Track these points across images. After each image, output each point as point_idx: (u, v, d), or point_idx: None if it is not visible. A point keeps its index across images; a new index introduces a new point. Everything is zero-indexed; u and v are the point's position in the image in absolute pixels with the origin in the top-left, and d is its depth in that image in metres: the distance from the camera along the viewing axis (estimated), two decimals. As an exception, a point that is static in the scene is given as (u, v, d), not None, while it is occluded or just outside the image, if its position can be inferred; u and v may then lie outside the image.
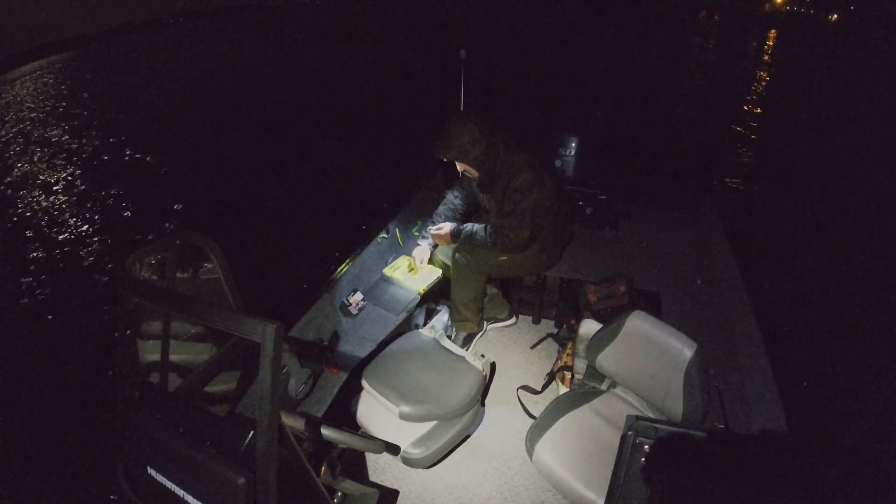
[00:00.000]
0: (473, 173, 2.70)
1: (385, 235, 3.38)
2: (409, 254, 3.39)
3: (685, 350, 1.81)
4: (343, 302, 2.88)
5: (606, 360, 2.10)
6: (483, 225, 2.75)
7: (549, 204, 2.65)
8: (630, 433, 1.22)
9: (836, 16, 39.03)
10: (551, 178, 2.67)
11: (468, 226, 2.79)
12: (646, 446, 1.22)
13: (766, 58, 23.28)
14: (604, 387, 2.30)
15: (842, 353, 4.26)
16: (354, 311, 2.89)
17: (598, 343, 2.12)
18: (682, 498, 1.19)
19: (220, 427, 1.34)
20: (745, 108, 13.50)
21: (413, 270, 3.16)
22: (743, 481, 1.14)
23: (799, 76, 19.02)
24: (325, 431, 1.50)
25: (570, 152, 3.85)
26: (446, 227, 2.86)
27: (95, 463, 3.17)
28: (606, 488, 1.72)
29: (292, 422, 1.46)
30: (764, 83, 16.93)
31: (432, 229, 2.93)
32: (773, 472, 1.14)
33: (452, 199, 3.07)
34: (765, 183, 8.60)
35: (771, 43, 28.71)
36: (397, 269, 3.20)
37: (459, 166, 2.73)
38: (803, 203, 7.73)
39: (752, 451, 1.22)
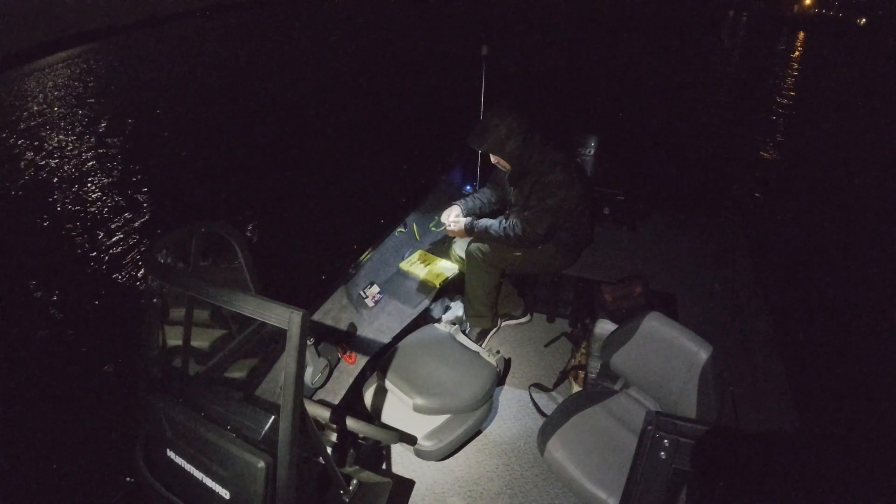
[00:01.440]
0: (506, 166, 2.71)
1: (402, 230, 3.40)
2: (425, 248, 3.41)
3: (701, 352, 1.80)
4: (360, 294, 2.91)
5: (621, 359, 2.10)
6: (499, 220, 2.77)
7: (574, 206, 2.65)
8: (650, 427, 1.23)
9: (864, 19, 38.27)
10: (581, 180, 2.67)
11: (483, 221, 2.80)
12: (665, 441, 1.23)
13: (793, 61, 22.82)
14: (617, 387, 2.30)
15: (859, 360, 4.21)
16: (371, 304, 2.91)
17: (614, 343, 2.12)
18: (699, 492, 1.19)
19: (241, 411, 1.36)
20: (771, 111, 13.28)
21: (427, 263, 3.18)
22: (760, 479, 1.14)
23: (826, 80, 18.65)
24: (346, 421, 1.52)
25: (590, 152, 3.83)
26: (462, 221, 2.88)
27: (114, 445, 3.25)
28: (617, 487, 1.73)
29: (313, 409, 1.48)
30: (791, 86, 16.63)
31: (451, 225, 2.93)
32: (787, 472, 1.14)
33: (482, 194, 3.09)
34: (786, 188, 8.48)
35: (799, 45, 28.18)
36: (414, 264, 3.22)
37: (493, 158, 2.73)
38: (823, 208, 7.62)
39: (768, 451, 1.22)
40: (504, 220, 2.74)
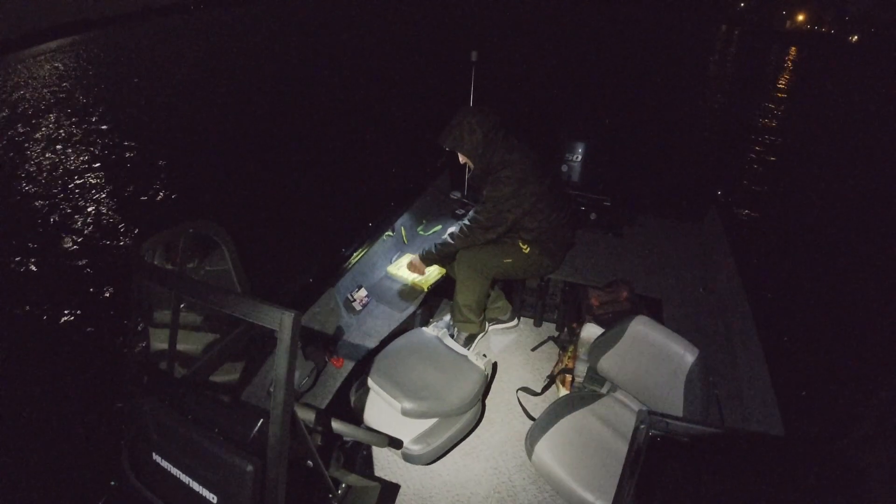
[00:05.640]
0: (471, 165, 2.81)
1: (391, 234, 3.40)
2: (413, 252, 3.41)
3: (687, 355, 1.82)
4: (347, 297, 2.90)
5: (608, 363, 2.12)
6: (449, 230, 2.88)
7: (529, 203, 2.68)
8: (642, 426, 1.23)
9: (856, 37, 39.04)
10: (542, 178, 2.71)
11: (427, 244, 2.97)
12: (658, 439, 1.23)
13: (784, 74, 23.12)
14: (604, 390, 2.32)
15: (840, 364, 4.27)
16: (358, 307, 2.91)
17: (601, 346, 2.13)
18: (691, 492, 1.20)
19: (229, 414, 1.35)
20: (758, 121, 13.47)
21: (416, 278, 3.20)
22: (750, 478, 1.15)
23: (815, 93, 18.96)
24: (334, 424, 1.52)
25: (577, 158, 3.85)
26: (414, 258, 3.07)
27: (98, 448, 3.19)
28: (605, 490, 1.74)
29: (301, 412, 1.47)
30: (780, 98, 16.87)
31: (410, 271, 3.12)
32: (777, 471, 1.15)
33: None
34: (770, 195, 8.62)
35: (790, 60, 28.58)
36: (402, 268, 3.22)
37: (461, 158, 2.81)
38: (807, 214, 7.75)
39: (759, 451, 1.23)
40: (456, 226, 2.84)
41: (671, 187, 8.14)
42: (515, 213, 2.68)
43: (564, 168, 3.89)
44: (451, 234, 2.81)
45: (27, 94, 12.69)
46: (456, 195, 3.91)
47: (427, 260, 2.99)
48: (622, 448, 1.91)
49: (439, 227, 3.64)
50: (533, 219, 2.74)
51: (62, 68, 15.39)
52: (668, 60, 22.86)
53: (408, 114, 11.61)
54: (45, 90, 13.15)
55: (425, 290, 3.07)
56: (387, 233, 3.37)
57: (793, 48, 33.92)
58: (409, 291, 3.09)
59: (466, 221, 2.76)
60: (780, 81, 20.65)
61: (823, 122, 14.19)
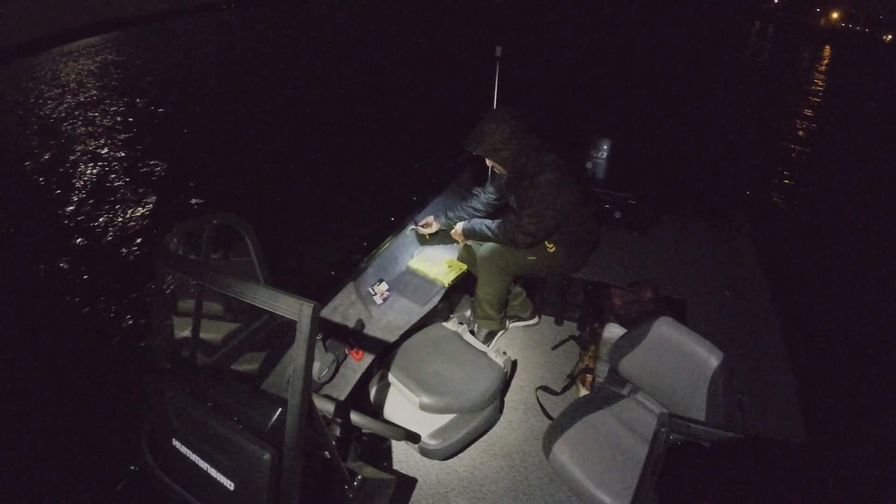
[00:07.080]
0: (502, 171, 2.74)
1: (413, 227, 3.40)
2: (435, 247, 3.41)
3: (711, 358, 1.78)
4: (369, 291, 2.91)
5: (630, 364, 2.09)
6: (495, 221, 2.79)
7: (569, 208, 2.64)
8: (664, 430, 1.21)
9: (890, 36, 38.01)
10: (576, 182, 2.67)
11: (476, 222, 2.87)
12: (678, 443, 1.21)
13: (818, 73, 22.47)
14: (625, 392, 2.29)
15: (867, 372, 4.16)
16: (379, 301, 2.92)
17: (623, 347, 2.10)
18: (710, 495, 1.18)
19: (248, 403, 1.36)
20: (791, 120, 13.14)
21: (436, 262, 3.20)
22: (769, 483, 1.13)
23: (849, 93, 18.44)
24: (352, 416, 1.52)
25: (602, 155, 3.82)
26: (459, 226, 2.97)
27: (118, 433, 3.25)
28: (622, 492, 1.72)
29: (320, 403, 1.48)
30: (814, 97, 16.42)
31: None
32: (795, 478, 1.13)
33: (480, 197, 3.14)
34: (800, 196, 8.41)
35: (825, 59, 27.80)
36: (423, 262, 3.22)
37: (488, 162, 2.76)
38: (837, 217, 7.56)
39: (779, 456, 1.21)
40: (498, 221, 2.77)
41: (698, 186, 7.99)
42: (557, 220, 2.65)
43: (589, 165, 3.86)
44: (497, 227, 2.74)
45: (60, 89, 13.01)
46: (478, 191, 3.90)
47: (468, 234, 2.92)
48: (642, 451, 1.88)
49: None
50: (568, 223, 2.72)
51: (94, 65, 15.72)
52: (699, 56, 22.45)
53: (431, 109, 11.59)
54: (76, 85, 13.47)
55: (446, 285, 3.07)
56: (409, 227, 3.38)
57: (827, 47, 32.96)
58: (429, 286, 3.09)
59: (512, 223, 2.68)
60: (815, 80, 20.10)
61: (857, 122, 13.79)
